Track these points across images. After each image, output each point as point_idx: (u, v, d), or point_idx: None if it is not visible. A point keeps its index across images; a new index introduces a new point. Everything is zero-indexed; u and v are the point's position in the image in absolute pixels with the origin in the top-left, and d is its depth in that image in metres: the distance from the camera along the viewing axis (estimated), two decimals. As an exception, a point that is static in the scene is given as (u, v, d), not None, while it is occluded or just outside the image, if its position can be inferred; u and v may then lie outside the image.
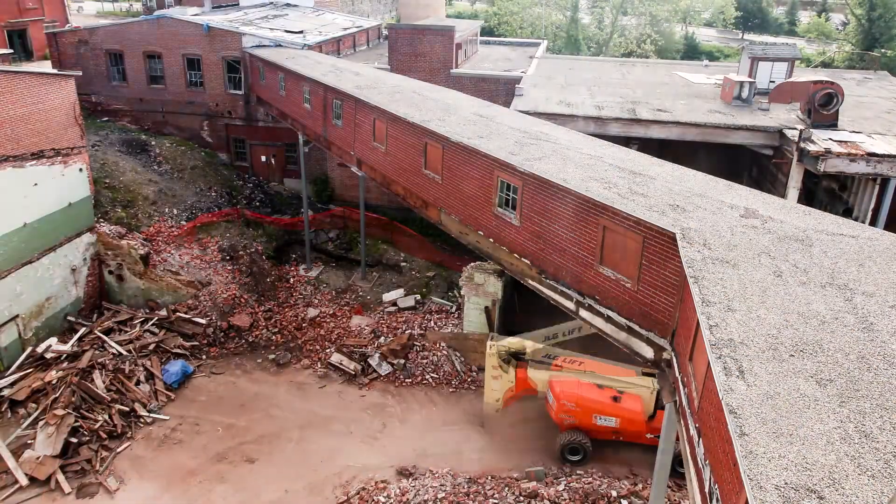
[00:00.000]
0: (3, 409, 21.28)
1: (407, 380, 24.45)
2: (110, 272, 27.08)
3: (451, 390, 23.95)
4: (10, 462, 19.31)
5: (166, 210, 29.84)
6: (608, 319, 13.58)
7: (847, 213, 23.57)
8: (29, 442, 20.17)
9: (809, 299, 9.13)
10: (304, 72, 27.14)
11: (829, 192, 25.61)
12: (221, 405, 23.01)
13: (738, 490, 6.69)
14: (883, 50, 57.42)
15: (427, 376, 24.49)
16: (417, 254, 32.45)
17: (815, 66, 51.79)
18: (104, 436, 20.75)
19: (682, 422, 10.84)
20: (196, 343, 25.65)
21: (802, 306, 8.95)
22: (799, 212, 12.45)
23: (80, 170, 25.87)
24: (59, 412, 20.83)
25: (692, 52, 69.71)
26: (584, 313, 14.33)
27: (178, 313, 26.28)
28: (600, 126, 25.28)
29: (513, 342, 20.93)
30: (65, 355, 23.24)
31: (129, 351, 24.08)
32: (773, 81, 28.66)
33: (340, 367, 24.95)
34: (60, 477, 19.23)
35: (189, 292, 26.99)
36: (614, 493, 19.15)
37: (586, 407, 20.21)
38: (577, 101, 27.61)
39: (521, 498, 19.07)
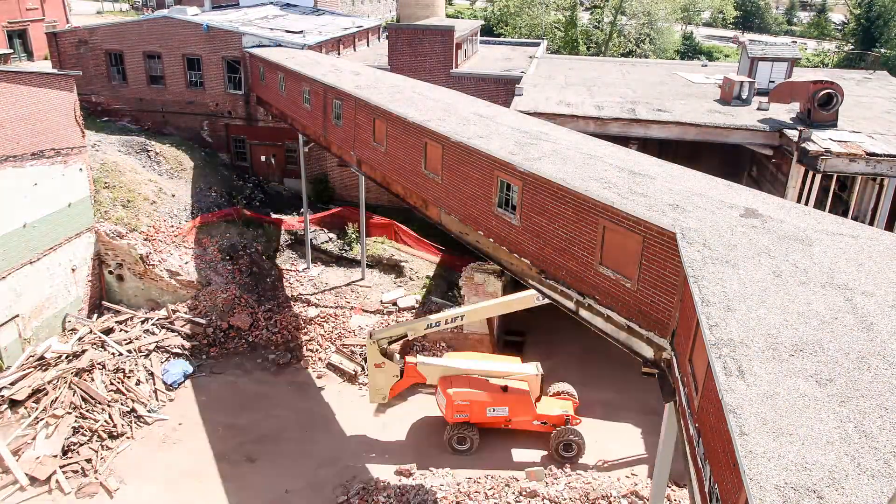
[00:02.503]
0: (2, 409, 21.26)
1: (407, 380, 24.43)
2: (110, 272, 27.09)
3: (451, 390, 23.94)
4: (10, 462, 19.30)
5: (166, 210, 29.84)
6: (608, 319, 13.58)
7: (846, 213, 23.56)
8: (29, 442, 20.16)
9: (809, 299, 9.13)
10: (304, 72, 27.14)
11: (829, 192, 25.59)
12: (221, 405, 23.01)
13: (738, 490, 6.69)
14: (882, 49, 57.45)
15: (427, 376, 24.48)
16: (417, 254, 32.47)
17: (816, 66, 51.79)
18: (104, 436, 20.75)
19: (682, 422, 10.84)
20: (196, 343, 25.66)
21: (802, 306, 8.95)
22: (799, 212, 12.45)
23: (80, 170, 25.87)
24: (59, 412, 20.84)
25: (691, 51, 69.76)
26: (583, 313, 14.33)
27: (177, 313, 26.29)
28: (600, 126, 25.27)
29: (391, 331, 21.30)
30: (65, 355, 23.24)
31: (129, 351, 24.08)
32: (773, 81, 28.65)
33: (340, 367, 24.95)
34: (60, 477, 19.23)
35: (189, 292, 27.00)
36: (614, 493, 19.16)
37: (479, 402, 20.67)
38: (577, 101, 27.61)
39: (521, 497, 19.08)
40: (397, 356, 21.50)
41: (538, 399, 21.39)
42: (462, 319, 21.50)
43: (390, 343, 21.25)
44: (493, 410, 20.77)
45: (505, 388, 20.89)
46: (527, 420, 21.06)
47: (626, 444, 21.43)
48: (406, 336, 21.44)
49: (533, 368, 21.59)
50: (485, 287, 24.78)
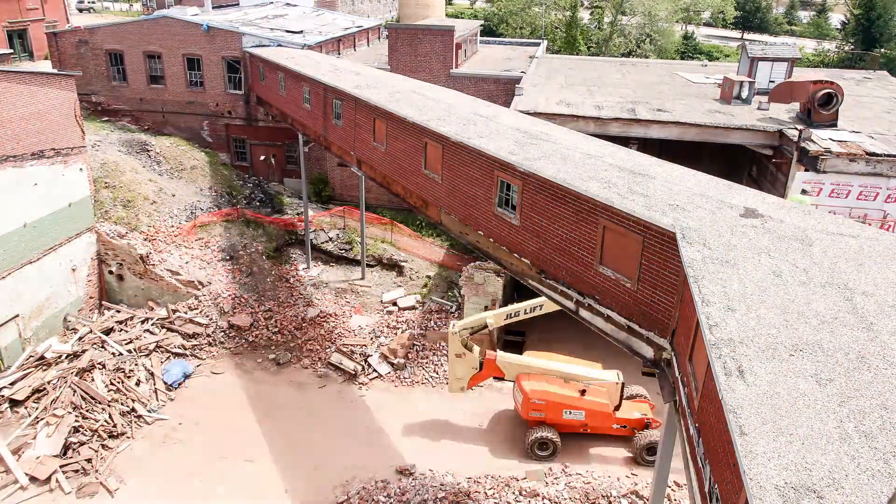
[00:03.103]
0: (3, 409, 21.27)
1: (407, 380, 24.45)
2: (110, 272, 27.09)
3: (451, 390, 23.94)
4: (11, 462, 19.30)
5: (166, 210, 29.84)
6: (608, 319, 13.58)
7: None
8: (29, 442, 20.16)
9: (809, 299, 9.13)
10: (304, 72, 27.14)
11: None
12: (221, 405, 23.01)
13: (738, 490, 6.69)
14: (882, 49, 57.45)
15: (427, 376, 24.50)
16: (417, 254, 32.48)
17: (816, 66, 51.76)
18: (104, 436, 20.76)
19: (682, 421, 10.85)
20: (196, 343, 25.65)
21: (802, 306, 8.95)
22: (799, 212, 12.45)
23: (80, 170, 25.87)
24: (60, 412, 20.84)
25: (692, 51, 69.74)
26: (583, 313, 14.33)
27: (178, 313, 26.29)
28: (600, 126, 25.27)
29: (472, 321, 21.25)
30: (65, 355, 23.24)
31: (129, 351, 24.08)
32: (773, 81, 28.65)
33: (340, 366, 24.95)
34: (60, 477, 19.23)
35: (189, 292, 27.00)
36: (614, 493, 19.17)
37: (555, 403, 20.60)
38: (576, 101, 27.61)
39: (521, 497, 19.08)
40: (477, 349, 21.51)
41: (617, 407, 21.15)
42: (541, 309, 21.13)
43: (472, 333, 21.24)
44: (570, 413, 20.70)
45: (583, 392, 20.82)
46: (606, 426, 21.02)
47: (626, 444, 21.42)
48: (486, 326, 21.31)
49: (613, 376, 21.27)
50: (485, 287, 24.78)
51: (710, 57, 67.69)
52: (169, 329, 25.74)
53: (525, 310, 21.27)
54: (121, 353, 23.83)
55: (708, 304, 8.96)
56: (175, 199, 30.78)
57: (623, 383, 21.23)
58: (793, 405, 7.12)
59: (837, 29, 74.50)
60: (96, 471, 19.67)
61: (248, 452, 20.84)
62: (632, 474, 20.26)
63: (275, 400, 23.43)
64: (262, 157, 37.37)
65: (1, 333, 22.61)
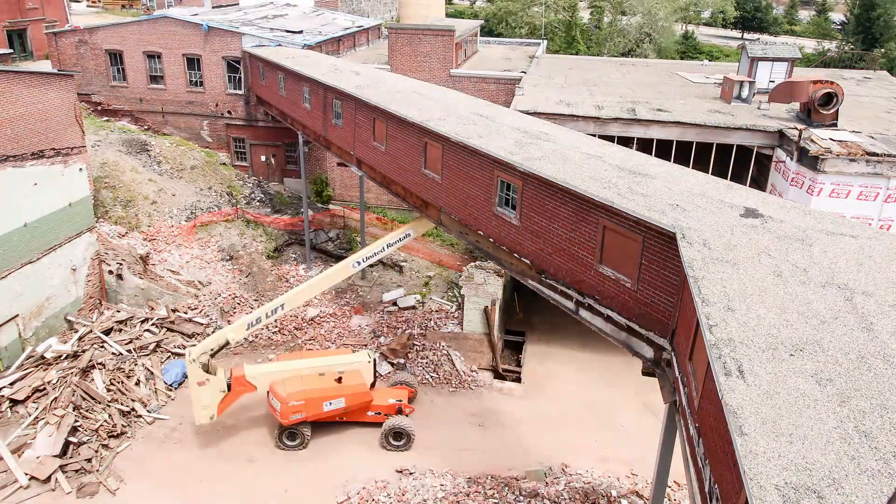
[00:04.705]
0: (3, 409, 21.27)
1: (407, 380, 24.45)
2: (110, 272, 27.08)
3: (451, 390, 23.96)
4: (10, 462, 19.30)
5: (166, 210, 29.84)
6: (608, 319, 13.59)
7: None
8: (29, 442, 20.16)
9: (809, 299, 9.13)
10: (304, 72, 27.14)
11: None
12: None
13: (738, 490, 6.70)
14: (882, 49, 57.44)
15: (427, 376, 24.50)
16: (417, 254, 32.49)
17: (816, 66, 51.74)
18: (104, 436, 20.75)
19: (681, 421, 10.85)
20: (196, 343, 25.62)
21: (802, 306, 8.95)
22: (799, 212, 12.45)
23: (80, 169, 25.86)
24: (59, 412, 20.84)
25: (691, 51, 69.71)
26: (583, 313, 14.34)
27: (178, 313, 26.28)
28: (600, 126, 25.28)
29: (210, 342, 20.14)
30: (65, 355, 23.23)
31: (129, 351, 24.08)
32: (773, 81, 28.67)
33: (340, 366, 24.93)
34: (60, 476, 19.22)
35: (189, 292, 26.99)
36: (614, 493, 19.18)
37: (314, 399, 20.51)
38: (576, 100, 27.61)
39: (521, 498, 19.08)
40: (221, 370, 20.61)
41: (372, 385, 21.55)
42: (282, 308, 20.68)
43: (212, 356, 20.18)
44: (331, 403, 20.71)
45: (339, 380, 20.87)
46: (361, 412, 21.22)
47: (625, 444, 21.43)
48: (228, 343, 20.49)
49: (364, 356, 21.47)
50: (485, 287, 24.78)
51: (710, 57, 67.68)
52: (169, 329, 25.72)
53: (266, 313, 20.67)
54: (121, 353, 23.82)
55: (708, 304, 8.96)
56: (175, 199, 30.79)
57: (375, 360, 21.73)
58: (793, 405, 7.13)
59: (838, 28, 74.46)
60: (96, 470, 19.66)
61: (248, 452, 20.84)
62: (632, 474, 20.27)
63: (275, 400, 23.38)
64: (263, 158, 37.37)
65: (1, 333, 22.60)
